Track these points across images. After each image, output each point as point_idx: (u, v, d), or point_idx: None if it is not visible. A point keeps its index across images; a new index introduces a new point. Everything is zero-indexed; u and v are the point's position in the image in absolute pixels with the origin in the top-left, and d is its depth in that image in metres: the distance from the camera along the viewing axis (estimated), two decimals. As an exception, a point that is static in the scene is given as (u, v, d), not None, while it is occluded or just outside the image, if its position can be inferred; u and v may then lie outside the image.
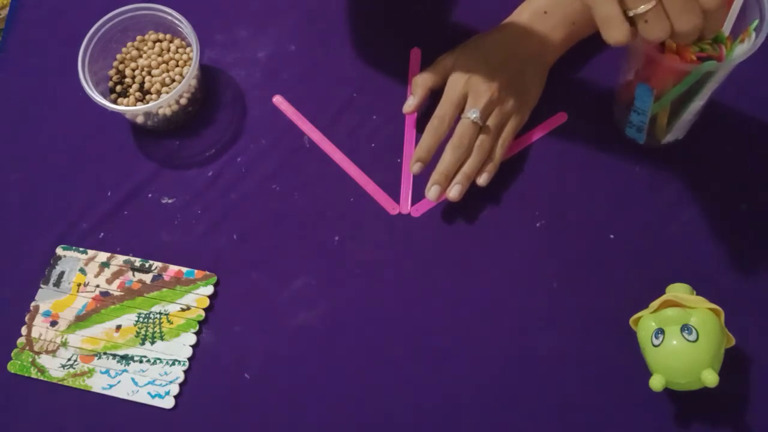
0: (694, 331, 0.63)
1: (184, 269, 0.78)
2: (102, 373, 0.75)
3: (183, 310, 0.76)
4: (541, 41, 0.78)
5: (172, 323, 0.76)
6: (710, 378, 0.62)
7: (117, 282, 0.78)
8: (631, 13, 0.57)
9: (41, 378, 0.75)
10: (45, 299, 0.78)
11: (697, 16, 0.56)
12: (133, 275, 0.78)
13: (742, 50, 0.65)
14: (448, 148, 0.75)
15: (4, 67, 0.91)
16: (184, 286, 0.77)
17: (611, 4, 0.57)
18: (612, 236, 0.75)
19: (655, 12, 0.56)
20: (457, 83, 0.77)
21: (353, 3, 0.88)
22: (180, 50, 0.85)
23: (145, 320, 0.76)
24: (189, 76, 0.79)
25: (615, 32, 0.57)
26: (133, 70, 0.84)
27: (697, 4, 0.56)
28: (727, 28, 0.67)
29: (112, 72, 0.85)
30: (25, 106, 0.88)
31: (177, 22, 0.82)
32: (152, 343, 0.75)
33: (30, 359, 0.76)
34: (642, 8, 0.56)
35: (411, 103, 0.79)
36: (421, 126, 0.79)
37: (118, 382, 0.74)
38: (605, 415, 0.69)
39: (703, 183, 0.76)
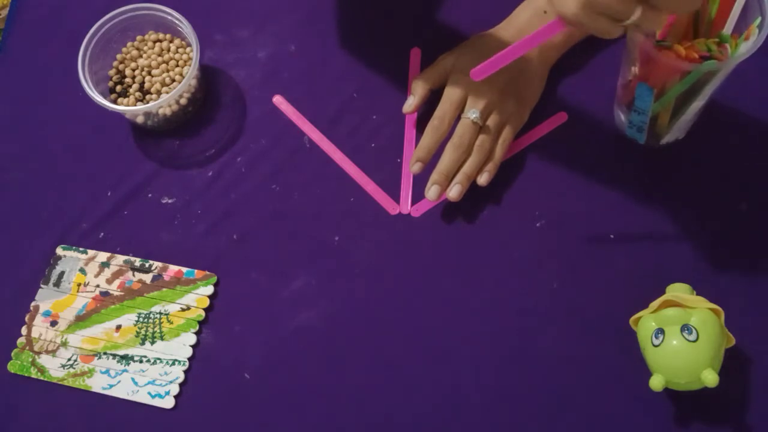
0: (694, 331, 0.63)
1: (184, 269, 0.78)
2: (102, 373, 0.75)
3: (183, 310, 0.76)
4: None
5: (172, 323, 0.76)
6: (710, 378, 0.62)
7: (117, 282, 0.78)
8: (624, 24, 0.58)
9: (41, 378, 0.75)
10: (45, 299, 0.78)
11: None
12: (133, 275, 0.78)
13: (746, 48, 0.65)
14: (448, 148, 0.75)
15: (4, 67, 0.91)
16: (184, 286, 0.77)
17: (602, 21, 0.59)
18: (612, 236, 0.75)
19: (644, 14, 0.57)
20: (457, 83, 0.77)
21: (353, 3, 0.88)
22: (180, 50, 0.85)
23: (145, 320, 0.76)
24: (189, 76, 0.79)
25: (612, 35, 0.60)
26: (133, 70, 0.84)
27: None
28: (729, 28, 0.67)
29: (112, 72, 0.85)
30: (25, 106, 0.88)
31: (177, 22, 0.82)
32: (152, 343, 0.75)
33: (30, 359, 0.76)
34: (633, 17, 0.57)
35: (411, 103, 0.79)
36: (421, 126, 0.79)
37: (118, 382, 0.74)
38: (605, 415, 0.69)
39: (703, 183, 0.76)
